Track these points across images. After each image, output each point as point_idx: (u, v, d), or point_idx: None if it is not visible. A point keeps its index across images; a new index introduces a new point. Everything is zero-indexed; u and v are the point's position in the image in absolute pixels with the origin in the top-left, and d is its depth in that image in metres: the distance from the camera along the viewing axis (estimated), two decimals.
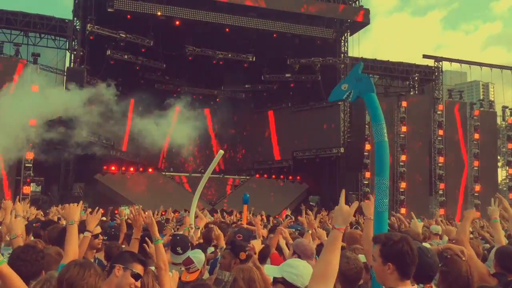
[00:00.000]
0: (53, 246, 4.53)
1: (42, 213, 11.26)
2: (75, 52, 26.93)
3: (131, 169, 29.96)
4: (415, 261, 2.83)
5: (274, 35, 29.20)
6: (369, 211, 3.92)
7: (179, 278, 4.07)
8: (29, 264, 3.04)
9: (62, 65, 28.17)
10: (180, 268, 4.48)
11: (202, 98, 33.74)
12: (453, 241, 4.34)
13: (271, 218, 14.34)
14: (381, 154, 3.58)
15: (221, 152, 6.61)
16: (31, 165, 23.67)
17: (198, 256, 4.44)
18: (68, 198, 21.04)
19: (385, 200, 3.48)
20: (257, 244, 4.44)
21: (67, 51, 27.93)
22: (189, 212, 9.45)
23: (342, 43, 31.23)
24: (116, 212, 14.62)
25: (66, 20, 27.89)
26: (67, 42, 27.71)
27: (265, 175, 33.05)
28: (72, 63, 26.93)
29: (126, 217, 8.66)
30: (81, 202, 3.97)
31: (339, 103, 30.58)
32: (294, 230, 7.42)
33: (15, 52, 25.74)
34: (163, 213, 14.89)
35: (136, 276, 3.16)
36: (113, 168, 29.09)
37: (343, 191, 2.83)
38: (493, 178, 32.18)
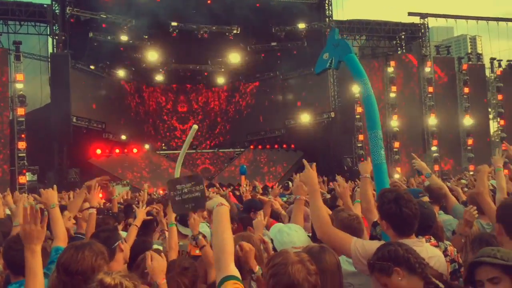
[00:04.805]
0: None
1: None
2: (56, 37, 26.43)
3: (125, 150, 29.92)
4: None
5: (257, 5, 28.75)
6: (364, 170, 4.09)
7: (188, 253, 4.18)
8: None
9: (45, 51, 27.74)
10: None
11: (190, 75, 33.47)
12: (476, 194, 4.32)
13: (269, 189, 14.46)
14: (370, 108, 3.64)
15: (195, 127, 6.74)
16: (24, 154, 23.58)
17: (205, 230, 4.54)
18: (64, 184, 21.05)
19: (380, 151, 3.53)
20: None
21: (48, 36, 27.44)
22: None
23: (327, 7, 30.79)
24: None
25: (45, 5, 27.25)
26: (48, 28, 27.19)
27: (259, 146, 33.12)
28: (55, 49, 26.49)
29: (119, 196, 8.69)
30: (54, 186, 3.94)
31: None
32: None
33: None
34: (150, 191, 15.01)
35: None
36: (106, 150, 29.02)
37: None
38: (485, 131, 32.38)
